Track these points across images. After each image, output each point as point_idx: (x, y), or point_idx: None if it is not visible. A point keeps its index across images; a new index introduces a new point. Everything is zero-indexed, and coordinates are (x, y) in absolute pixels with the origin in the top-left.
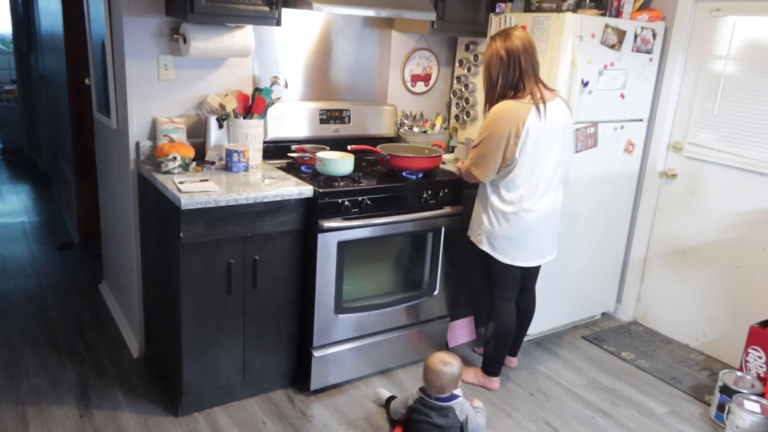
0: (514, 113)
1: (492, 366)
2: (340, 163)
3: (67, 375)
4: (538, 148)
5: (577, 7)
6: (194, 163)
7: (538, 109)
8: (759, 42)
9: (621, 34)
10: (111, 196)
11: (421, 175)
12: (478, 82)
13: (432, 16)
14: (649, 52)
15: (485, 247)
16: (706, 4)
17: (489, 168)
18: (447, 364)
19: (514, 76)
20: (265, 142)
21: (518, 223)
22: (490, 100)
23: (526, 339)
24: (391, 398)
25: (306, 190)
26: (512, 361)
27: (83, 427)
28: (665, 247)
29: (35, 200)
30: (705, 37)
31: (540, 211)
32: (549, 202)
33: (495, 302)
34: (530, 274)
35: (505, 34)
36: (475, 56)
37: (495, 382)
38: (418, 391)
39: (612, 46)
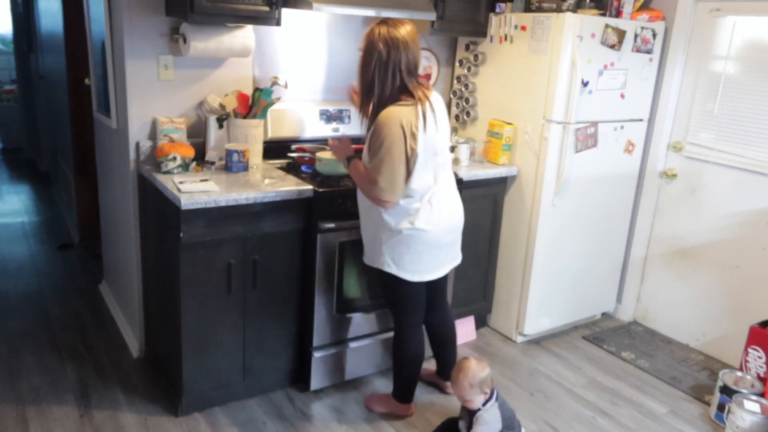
0: (406, 117)
1: (403, 395)
2: (340, 163)
3: (67, 375)
4: (434, 154)
5: (577, 7)
6: (194, 163)
7: (423, 109)
8: (759, 42)
9: (621, 34)
10: (111, 196)
11: None
12: (479, 82)
13: (432, 16)
14: (649, 52)
15: (392, 270)
16: (706, 4)
17: (398, 185)
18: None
19: (395, 77)
20: (265, 142)
21: (423, 238)
22: (377, 104)
23: (526, 339)
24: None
25: (306, 190)
26: (447, 386)
27: (83, 427)
28: (665, 247)
29: (35, 200)
30: (705, 37)
31: (444, 223)
32: (454, 209)
33: (402, 329)
34: (438, 289)
35: (387, 24)
36: (475, 56)
37: (409, 407)
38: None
39: (612, 46)
